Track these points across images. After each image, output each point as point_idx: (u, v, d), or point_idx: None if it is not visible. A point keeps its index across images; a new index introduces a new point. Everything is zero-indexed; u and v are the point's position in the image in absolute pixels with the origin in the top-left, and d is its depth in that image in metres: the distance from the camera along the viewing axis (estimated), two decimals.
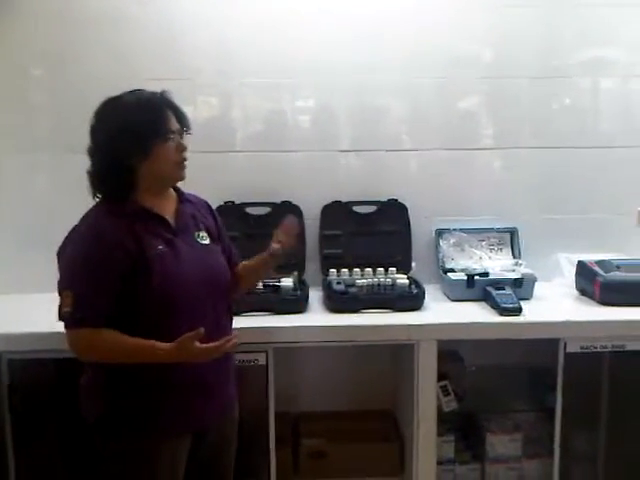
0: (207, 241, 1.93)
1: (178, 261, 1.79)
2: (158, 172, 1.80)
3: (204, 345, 1.70)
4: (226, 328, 1.91)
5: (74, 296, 1.70)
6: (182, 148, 1.82)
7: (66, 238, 1.80)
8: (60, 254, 1.80)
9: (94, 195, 1.82)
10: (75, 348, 1.74)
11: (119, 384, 1.78)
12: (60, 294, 1.74)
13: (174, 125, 1.81)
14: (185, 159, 1.84)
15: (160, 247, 1.77)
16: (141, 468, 1.80)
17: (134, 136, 1.74)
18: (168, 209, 1.88)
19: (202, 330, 1.67)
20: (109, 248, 1.71)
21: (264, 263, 2.07)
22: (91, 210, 1.82)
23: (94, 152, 1.79)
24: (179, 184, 1.94)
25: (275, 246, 2.00)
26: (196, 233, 1.91)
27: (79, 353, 1.76)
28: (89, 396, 1.84)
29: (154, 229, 1.80)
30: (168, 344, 1.69)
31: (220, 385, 1.92)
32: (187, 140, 1.87)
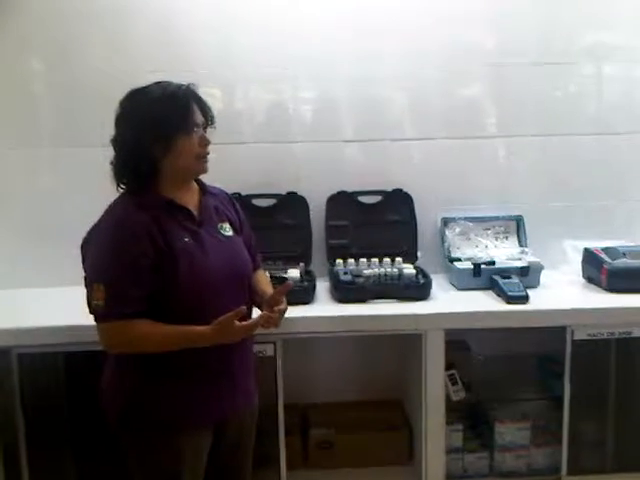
0: (230, 233, 1.93)
1: (203, 253, 1.79)
2: (180, 165, 1.80)
3: (244, 323, 1.71)
4: (247, 320, 1.87)
5: (106, 289, 1.68)
6: (205, 142, 1.81)
7: (91, 230, 1.79)
8: (85, 246, 1.79)
9: (117, 186, 1.82)
10: (108, 341, 1.74)
11: (143, 377, 1.79)
12: (89, 287, 1.73)
13: (198, 118, 1.80)
14: (208, 153, 1.84)
15: (186, 239, 1.78)
16: (165, 460, 1.80)
17: (157, 128, 1.74)
18: (191, 201, 1.87)
19: (244, 308, 1.70)
20: (138, 239, 1.70)
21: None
22: (115, 202, 1.81)
23: (117, 143, 1.79)
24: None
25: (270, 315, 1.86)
26: (219, 225, 1.90)
27: (112, 346, 1.76)
28: (112, 389, 1.84)
29: (179, 221, 1.80)
30: (207, 327, 1.70)
31: (242, 377, 1.93)
32: (211, 133, 1.87)
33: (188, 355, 1.74)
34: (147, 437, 1.80)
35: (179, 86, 1.80)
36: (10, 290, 2.74)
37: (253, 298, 1.99)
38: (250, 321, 1.77)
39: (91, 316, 1.74)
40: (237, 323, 1.71)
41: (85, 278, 1.75)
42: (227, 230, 1.92)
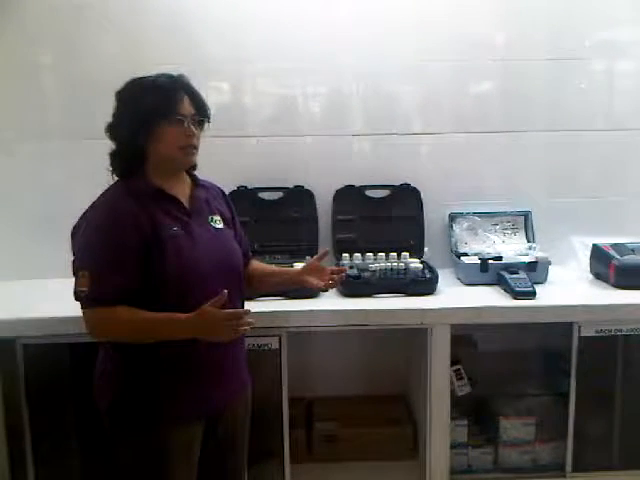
0: (221, 225, 1.93)
1: (192, 243, 1.79)
2: (164, 153, 1.80)
3: (225, 311, 1.67)
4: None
5: (90, 276, 1.70)
6: (189, 133, 1.80)
7: (81, 217, 1.80)
8: (75, 233, 1.80)
9: (112, 173, 1.84)
10: (91, 328, 1.74)
11: (132, 369, 1.79)
12: (76, 274, 1.74)
13: (185, 109, 1.79)
14: (192, 145, 1.82)
15: (174, 228, 1.78)
16: (154, 455, 1.80)
17: (139, 116, 1.75)
18: (182, 192, 1.88)
19: (225, 293, 1.66)
20: (124, 227, 1.71)
21: (288, 281, 2.10)
22: (107, 190, 1.83)
23: (110, 129, 1.81)
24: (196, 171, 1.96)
25: (319, 284, 2.00)
26: (210, 217, 1.91)
27: (95, 333, 1.76)
28: (102, 382, 1.85)
29: (169, 210, 1.80)
30: (188, 314, 1.68)
31: (233, 369, 1.92)
32: (205, 127, 1.87)
33: (178, 348, 1.74)
34: (137, 431, 1.79)
35: (170, 76, 1.82)
36: (17, 281, 2.76)
37: (266, 280, 2.07)
38: (231, 310, 1.70)
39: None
40: (219, 311, 1.66)
41: (73, 265, 1.76)
42: (217, 223, 1.92)
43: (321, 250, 2.12)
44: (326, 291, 2.06)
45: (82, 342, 1.96)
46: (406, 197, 2.92)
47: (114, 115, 1.81)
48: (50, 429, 2.42)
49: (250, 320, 1.70)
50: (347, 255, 2.74)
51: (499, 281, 2.63)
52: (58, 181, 2.86)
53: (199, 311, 1.66)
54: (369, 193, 2.93)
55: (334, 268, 2.08)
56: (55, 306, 2.33)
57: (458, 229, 2.91)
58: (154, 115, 1.76)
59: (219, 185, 2.07)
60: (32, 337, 2.31)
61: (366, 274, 2.60)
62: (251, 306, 1.90)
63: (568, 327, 2.47)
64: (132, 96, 1.79)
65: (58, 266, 2.59)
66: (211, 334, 1.70)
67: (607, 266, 2.64)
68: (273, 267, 2.22)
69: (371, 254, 2.72)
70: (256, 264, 2.14)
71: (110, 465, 1.86)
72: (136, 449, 1.81)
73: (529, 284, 2.51)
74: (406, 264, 2.63)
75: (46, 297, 2.55)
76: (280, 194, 2.91)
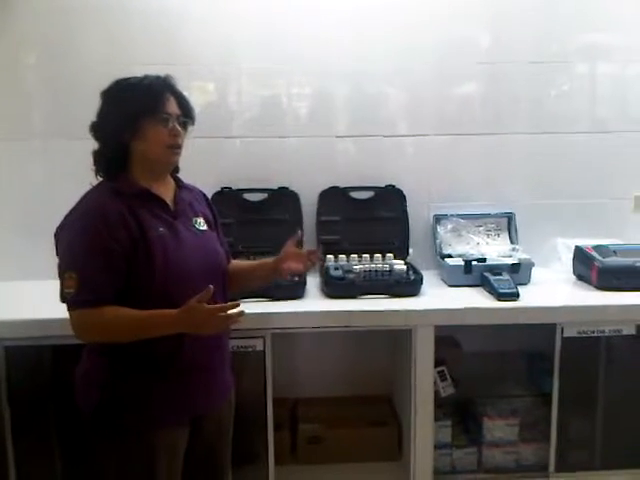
0: (205, 227, 1.93)
1: (178, 244, 1.79)
2: (148, 153, 1.80)
3: (211, 306, 1.67)
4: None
5: (77, 277, 1.68)
6: (175, 132, 1.80)
7: (65, 218, 1.78)
8: (59, 234, 1.78)
9: (96, 174, 1.83)
10: (78, 329, 1.73)
11: (117, 372, 1.78)
12: (61, 275, 1.72)
13: (171, 109, 1.80)
14: (177, 144, 1.82)
15: (161, 229, 1.77)
16: (139, 457, 1.79)
17: (125, 113, 1.75)
18: (167, 194, 1.87)
19: (211, 288, 1.66)
20: (111, 227, 1.70)
21: (269, 271, 2.07)
22: (91, 190, 1.82)
23: (93, 127, 1.81)
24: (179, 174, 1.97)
25: (298, 267, 2.02)
26: (194, 219, 1.91)
27: (83, 334, 1.74)
28: (86, 385, 1.83)
29: (155, 211, 1.80)
30: (175, 310, 1.68)
31: (218, 371, 1.92)
32: (189, 130, 1.87)
33: (163, 350, 1.74)
34: (122, 433, 1.78)
35: (157, 76, 1.82)
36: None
37: (248, 276, 2.08)
38: (217, 306, 1.69)
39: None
40: (205, 305, 1.66)
41: (58, 266, 1.74)
42: (201, 225, 1.92)
43: (295, 236, 2.08)
44: (306, 272, 2.06)
45: (64, 344, 1.95)
46: (390, 199, 2.93)
47: (99, 114, 1.81)
48: (32, 431, 2.39)
49: (237, 311, 1.70)
50: (331, 256, 2.74)
51: (483, 282, 2.64)
52: (42, 181, 2.85)
53: (185, 306, 1.66)
54: (353, 194, 2.94)
55: (310, 250, 2.07)
56: (37, 308, 2.32)
57: (442, 231, 2.92)
58: (139, 113, 1.76)
59: (201, 188, 2.07)
60: (14, 339, 2.29)
61: (350, 275, 2.60)
62: None
63: (551, 328, 2.48)
64: (118, 94, 1.79)
65: (40, 268, 2.58)
66: (198, 328, 1.71)
67: (589, 268, 2.66)
68: (251, 262, 2.21)
69: (355, 255, 2.72)
70: (235, 263, 2.13)
71: (92, 467, 1.85)
72: (121, 451, 1.80)
73: (512, 285, 2.53)
74: (390, 265, 2.64)
75: (28, 299, 2.53)
76: (264, 195, 2.90)
